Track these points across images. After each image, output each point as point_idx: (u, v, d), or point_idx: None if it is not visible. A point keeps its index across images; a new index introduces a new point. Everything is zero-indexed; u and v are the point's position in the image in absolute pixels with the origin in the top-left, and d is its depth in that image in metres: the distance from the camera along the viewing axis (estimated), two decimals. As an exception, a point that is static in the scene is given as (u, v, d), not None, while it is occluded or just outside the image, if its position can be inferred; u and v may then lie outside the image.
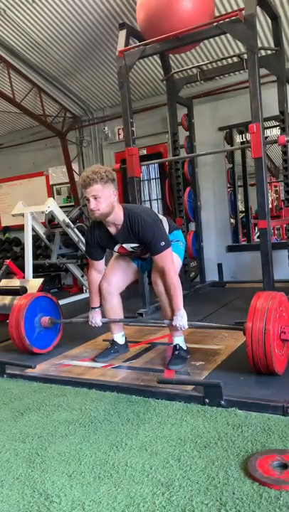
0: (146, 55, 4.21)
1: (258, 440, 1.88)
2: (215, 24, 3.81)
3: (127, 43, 4.20)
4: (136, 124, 4.44)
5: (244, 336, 2.48)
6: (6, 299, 4.59)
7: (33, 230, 5.44)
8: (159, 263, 2.70)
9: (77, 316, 4.44)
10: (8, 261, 5.13)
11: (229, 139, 6.36)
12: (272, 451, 1.76)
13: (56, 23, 5.11)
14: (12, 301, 4.25)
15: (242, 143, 6.81)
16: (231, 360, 2.83)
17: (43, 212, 5.27)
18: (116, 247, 2.87)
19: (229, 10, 4.65)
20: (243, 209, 7.18)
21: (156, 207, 6.69)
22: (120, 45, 4.18)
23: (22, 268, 5.10)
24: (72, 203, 7.29)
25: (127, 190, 4.75)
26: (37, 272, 6.14)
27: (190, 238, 5.44)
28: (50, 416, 2.34)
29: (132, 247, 2.82)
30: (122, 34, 4.22)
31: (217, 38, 5.09)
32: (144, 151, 6.35)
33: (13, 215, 5.33)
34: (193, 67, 4.99)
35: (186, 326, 2.73)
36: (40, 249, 6.56)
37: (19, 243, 7.42)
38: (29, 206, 5.41)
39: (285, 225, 5.55)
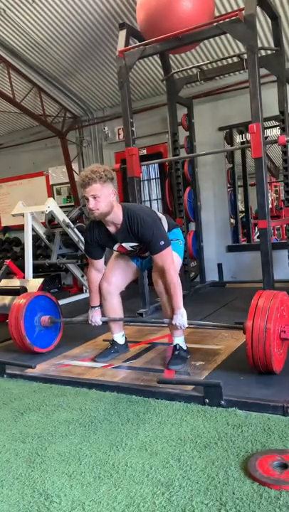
0: (146, 55, 4.21)
1: (258, 440, 1.88)
2: (215, 24, 3.81)
3: (127, 43, 4.20)
4: (136, 124, 4.44)
5: (244, 336, 2.48)
6: (6, 299, 4.59)
7: (33, 230, 5.44)
8: (159, 262, 2.70)
9: (77, 316, 4.44)
10: (8, 261, 5.13)
11: (229, 139, 6.36)
12: (272, 451, 1.76)
13: (56, 23, 5.11)
14: (12, 301, 4.25)
15: (242, 143, 6.81)
16: (231, 360, 2.83)
17: (43, 212, 5.27)
18: (115, 246, 2.87)
19: (229, 10, 4.65)
20: (243, 209, 7.18)
21: (156, 207, 6.69)
22: (120, 45, 4.18)
23: (22, 268, 5.09)
24: (72, 203, 7.29)
25: (127, 190, 4.74)
26: (37, 272, 6.14)
27: (190, 238, 5.44)
28: (50, 416, 2.34)
29: (131, 246, 2.82)
30: (122, 34, 4.22)
31: (217, 38, 5.09)
32: (144, 151, 6.35)
33: (13, 215, 5.33)
34: (193, 67, 4.99)
35: (186, 325, 2.73)
36: (40, 249, 6.56)
37: (19, 243, 7.42)
38: (29, 206, 5.41)
39: (285, 225, 5.55)
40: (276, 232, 8.21)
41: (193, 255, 5.59)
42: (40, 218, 5.91)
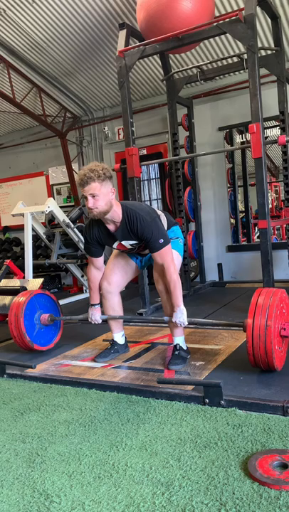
0: (146, 55, 4.21)
1: (258, 440, 1.88)
2: (215, 24, 3.81)
3: (127, 43, 4.21)
4: (136, 124, 4.45)
5: (244, 334, 2.48)
6: (6, 299, 4.59)
7: (33, 230, 5.44)
8: (159, 260, 2.70)
9: (77, 318, 4.44)
10: (8, 261, 5.13)
11: (229, 139, 6.37)
12: (272, 451, 1.76)
13: (56, 23, 5.11)
14: (12, 301, 4.26)
15: (242, 143, 6.83)
16: (231, 360, 2.83)
17: (43, 213, 5.27)
18: (115, 244, 2.86)
19: (229, 10, 4.66)
20: (243, 209, 7.19)
21: (156, 207, 6.68)
22: (120, 45, 4.18)
23: (22, 268, 5.10)
24: (72, 203, 7.30)
25: (127, 190, 4.74)
26: (37, 271, 6.15)
27: (190, 238, 5.44)
28: (50, 416, 2.34)
29: (130, 244, 2.82)
30: (122, 34, 4.23)
31: (217, 38, 5.10)
32: (144, 151, 6.36)
33: (13, 215, 5.34)
34: (193, 67, 4.99)
35: (186, 323, 2.73)
36: (40, 249, 6.57)
37: (19, 243, 7.42)
38: (29, 206, 5.42)
39: (285, 225, 5.55)
40: (276, 232, 8.22)
41: (193, 255, 5.59)
42: (40, 218, 5.91)
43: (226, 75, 5.73)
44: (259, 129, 3.63)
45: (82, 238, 5.56)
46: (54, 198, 7.08)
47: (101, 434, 2.09)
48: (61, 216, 5.41)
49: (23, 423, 2.29)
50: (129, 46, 4.18)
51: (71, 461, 1.86)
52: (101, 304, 3.09)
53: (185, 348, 2.92)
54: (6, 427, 2.27)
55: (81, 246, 5.59)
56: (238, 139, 6.87)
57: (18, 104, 6.08)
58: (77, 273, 6.04)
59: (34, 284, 4.61)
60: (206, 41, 5.10)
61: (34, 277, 4.91)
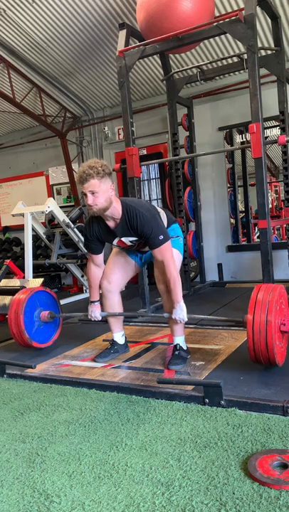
0: (146, 55, 4.20)
1: (258, 440, 1.88)
2: (215, 24, 3.81)
3: (127, 43, 4.21)
4: (136, 124, 4.45)
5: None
6: (6, 299, 4.59)
7: (33, 230, 5.44)
8: (158, 257, 2.69)
9: (77, 315, 4.44)
10: (8, 261, 5.13)
11: (229, 139, 6.37)
12: (272, 451, 1.76)
13: (56, 23, 5.11)
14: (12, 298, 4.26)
15: (242, 143, 6.83)
16: (231, 360, 2.83)
17: (43, 213, 5.27)
18: (115, 241, 2.86)
19: (229, 10, 4.66)
20: (243, 209, 7.19)
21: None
22: (120, 45, 4.18)
23: (22, 268, 5.10)
24: (72, 203, 7.30)
25: (127, 190, 4.74)
26: (37, 271, 6.15)
27: (190, 238, 5.44)
28: (50, 416, 2.34)
29: (130, 241, 2.81)
30: (122, 34, 4.23)
31: (217, 38, 5.10)
32: (144, 151, 6.36)
33: (13, 215, 5.34)
34: (193, 67, 4.99)
35: (186, 319, 2.73)
36: (40, 249, 6.57)
37: (19, 243, 7.43)
38: (29, 206, 5.42)
39: (285, 225, 5.55)
40: (276, 231, 8.23)
41: (193, 255, 5.59)
42: (40, 218, 5.91)
43: (226, 75, 5.73)
44: (259, 129, 3.62)
45: (82, 238, 5.56)
46: (54, 198, 7.08)
47: (101, 434, 2.09)
48: (61, 216, 5.41)
49: (23, 423, 2.29)
50: (129, 46, 4.18)
51: (71, 461, 1.86)
52: (101, 302, 3.09)
53: (185, 348, 2.92)
54: (6, 427, 2.27)
55: (81, 246, 5.59)
56: (238, 139, 6.88)
57: (18, 104, 6.08)
58: (77, 273, 6.04)
59: (34, 284, 4.61)
60: (206, 41, 5.09)
61: (34, 277, 4.91)
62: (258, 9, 4.11)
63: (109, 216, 2.70)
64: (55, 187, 7.64)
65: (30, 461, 1.90)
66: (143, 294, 4.41)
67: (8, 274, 5.15)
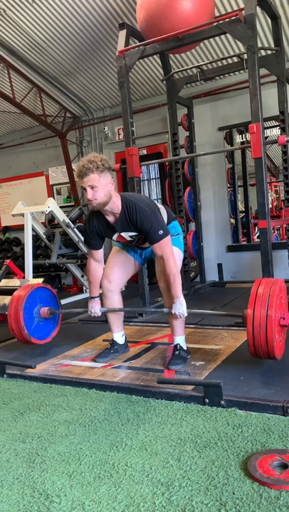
0: (146, 55, 4.20)
1: (258, 440, 1.88)
2: (215, 24, 3.80)
3: (127, 43, 4.20)
4: (136, 124, 4.44)
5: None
6: (6, 299, 4.59)
7: (33, 230, 5.44)
8: (158, 252, 2.69)
9: (77, 315, 4.45)
10: (8, 261, 5.13)
11: (229, 139, 6.37)
12: (272, 451, 1.76)
13: (56, 23, 5.11)
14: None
15: (242, 143, 6.83)
16: (231, 360, 2.83)
17: (43, 213, 5.27)
18: (114, 236, 2.85)
19: (229, 10, 4.66)
20: (243, 209, 7.19)
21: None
22: (120, 45, 4.18)
23: (22, 268, 5.10)
24: (72, 203, 7.30)
25: (127, 190, 4.74)
26: (37, 271, 6.15)
27: (190, 238, 5.44)
28: (50, 416, 2.34)
29: (130, 236, 2.81)
30: (122, 34, 4.22)
31: (217, 38, 5.10)
32: (144, 151, 6.36)
33: (13, 215, 5.34)
34: (193, 67, 4.99)
35: (186, 314, 2.72)
36: (40, 249, 6.57)
37: (19, 243, 7.42)
38: (29, 206, 5.42)
39: (285, 225, 5.55)
40: (276, 231, 8.23)
41: (193, 255, 5.59)
42: (40, 218, 5.91)
43: (226, 75, 5.73)
44: (259, 129, 3.62)
45: (82, 238, 5.56)
46: (54, 198, 7.08)
47: (101, 434, 2.09)
48: (61, 216, 5.41)
49: (23, 423, 2.29)
50: (129, 46, 4.17)
51: (71, 461, 1.86)
52: (101, 301, 3.09)
53: (185, 348, 2.92)
54: (6, 427, 2.27)
55: (81, 246, 5.59)
56: (238, 139, 6.88)
57: (18, 104, 6.08)
58: (77, 273, 6.04)
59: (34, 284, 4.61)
60: (206, 41, 5.09)
61: (34, 277, 4.92)
62: (258, 9, 4.11)
63: (109, 211, 2.70)
64: (55, 187, 7.64)
65: (30, 461, 1.90)
66: (143, 293, 4.41)
67: (8, 274, 5.15)
